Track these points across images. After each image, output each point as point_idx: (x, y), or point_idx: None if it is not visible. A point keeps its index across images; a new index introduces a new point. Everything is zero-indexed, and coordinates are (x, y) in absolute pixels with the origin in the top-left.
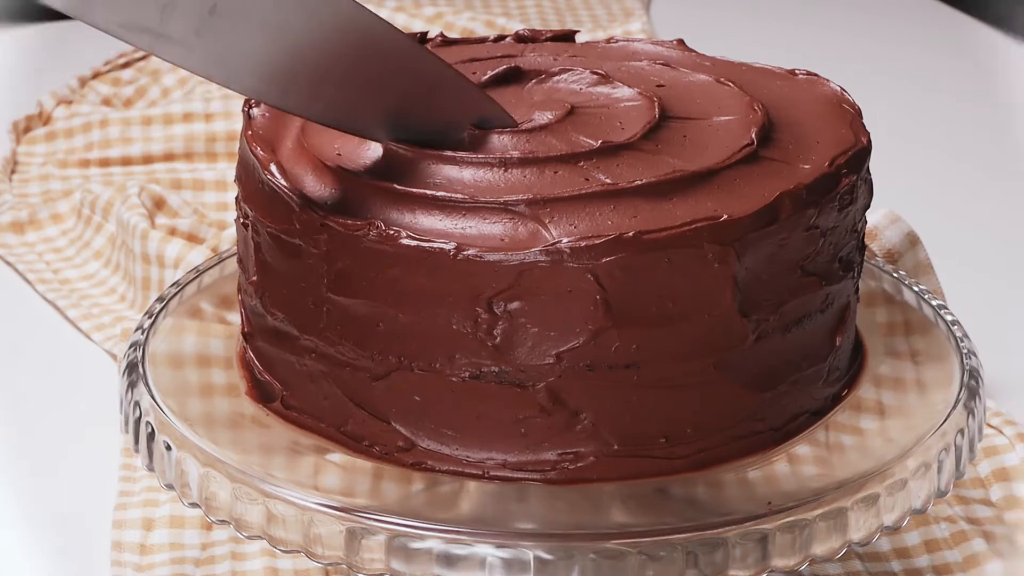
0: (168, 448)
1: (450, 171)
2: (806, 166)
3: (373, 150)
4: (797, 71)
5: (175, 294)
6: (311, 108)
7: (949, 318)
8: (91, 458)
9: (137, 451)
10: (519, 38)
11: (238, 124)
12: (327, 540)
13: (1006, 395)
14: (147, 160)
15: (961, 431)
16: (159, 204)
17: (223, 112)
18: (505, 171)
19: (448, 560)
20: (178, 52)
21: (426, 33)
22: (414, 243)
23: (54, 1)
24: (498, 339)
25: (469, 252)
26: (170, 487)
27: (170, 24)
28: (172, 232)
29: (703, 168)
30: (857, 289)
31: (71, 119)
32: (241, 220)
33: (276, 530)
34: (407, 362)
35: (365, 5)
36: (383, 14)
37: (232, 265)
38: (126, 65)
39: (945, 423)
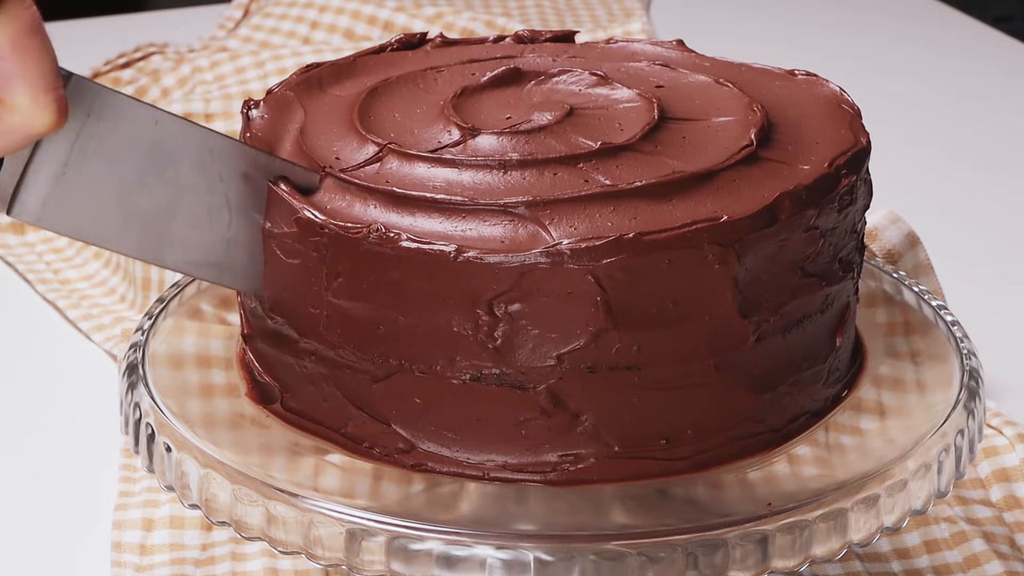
0: (168, 449)
1: (449, 173)
2: (806, 167)
3: (371, 154)
4: (796, 71)
5: (175, 295)
6: None
7: (949, 318)
8: (91, 458)
9: (137, 452)
10: (519, 39)
11: (238, 124)
12: (327, 541)
13: (1006, 395)
14: None
15: (961, 432)
16: None
17: (223, 112)
18: (504, 173)
19: (448, 561)
20: (240, 279)
21: (426, 33)
22: (414, 246)
23: (126, 248)
24: (499, 341)
25: (469, 254)
26: (170, 488)
27: (234, 255)
28: None
29: (703, 169)
30: (857, 289)
31: None
32: None
33: (276, 531)
34: (407, 364)
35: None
36: (383, 15)
37: None
38: (126, 65)
39: (945, 424)
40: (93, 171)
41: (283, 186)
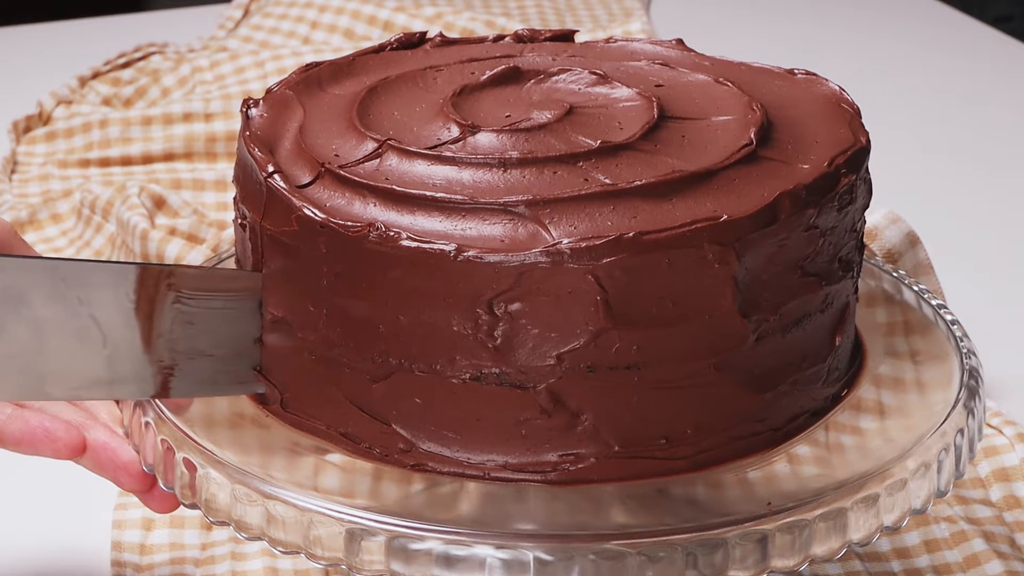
0: (168, 449)
1: (449, 171)
2: (805, 166)
3: (370, 151)
4: (796, 71)
5: None
6: None
7: (949, 318)
8: None
9: (137, 452)
10: (518, 38)
11: (238, 124)
12: (327, 541)
13: (1006, 395)
14: (147, 160)
15: (961, 431)
16: (159, 204)
17: (223, 112)
18: (504, 172)
19: (448, 561)
20: (133, 389)
21: (425, 33)
22: (414, 245)
23: (7, 395)
24: (499, 340)
25: (469, 253)
26: (170, 488)
27: (119, 368)
28: (172, 232)
29: (702, 168)
30: (856, 289)
31: (71, 119)
32: (239, 221)
33: (275, 531)
34: (407, 364)
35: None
36: (383, 15)
37: (231, 266)
38: (126, 65)
39: (945, 423)
40: None
41: (282, 183)
